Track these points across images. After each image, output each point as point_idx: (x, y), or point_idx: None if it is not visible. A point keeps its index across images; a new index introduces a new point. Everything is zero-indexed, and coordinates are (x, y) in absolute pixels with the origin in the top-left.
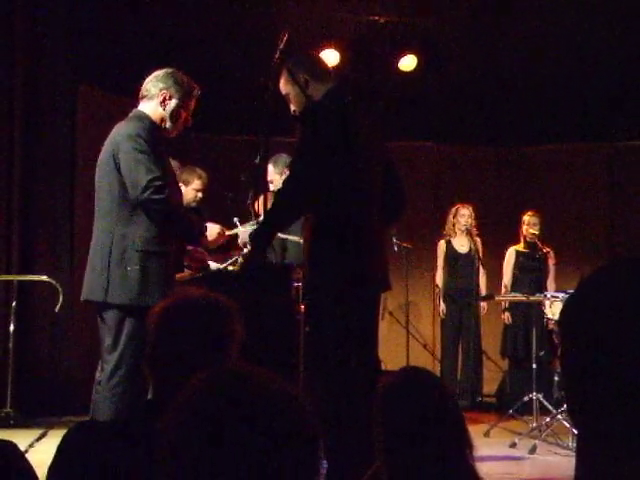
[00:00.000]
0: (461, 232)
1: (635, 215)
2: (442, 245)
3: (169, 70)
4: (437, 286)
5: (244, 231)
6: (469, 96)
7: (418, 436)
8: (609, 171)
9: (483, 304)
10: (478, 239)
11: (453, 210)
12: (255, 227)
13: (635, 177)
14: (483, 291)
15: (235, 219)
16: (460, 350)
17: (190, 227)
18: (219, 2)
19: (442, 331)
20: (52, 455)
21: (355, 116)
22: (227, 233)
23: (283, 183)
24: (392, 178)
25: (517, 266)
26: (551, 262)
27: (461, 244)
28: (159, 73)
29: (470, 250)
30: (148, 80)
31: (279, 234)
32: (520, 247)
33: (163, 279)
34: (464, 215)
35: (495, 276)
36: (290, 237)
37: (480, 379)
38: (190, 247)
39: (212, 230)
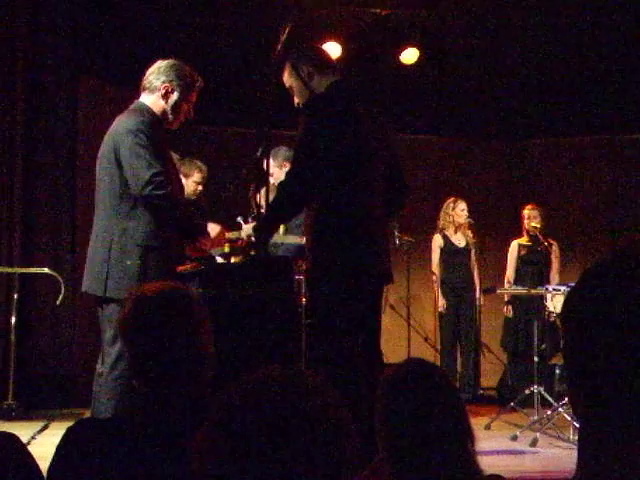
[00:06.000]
0: (460, 225)
1: (638, 208)
2: (438, 239)
3: (172, 62)
4: (434, 274)
5: (248, 227)
6: (471, 89)
7: (421, 428)
8: (612, 164)
9: (480, 297)
10: (470, 232)
11: (451, 204)
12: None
13: (638, 170)
14: (477, 284)
15: (239, 218)
16: (459, 343)
17: (191, 224)
18: None
19: (441, 324)
20: (54, 447)
21: (359, 109)
22: (227, 236)
23: (285, 175)
24: (395, 170)
25: (520, 259)
26: (554, 255)
27: (458, 238)
28: (162, 64)
29: (467, 244)
30: (150, 71)
31: (278, 238)
32: (523, 240)
33: (163, 274)
34: (463, 209)
35: (497, 269)
36: (288, 239)
37: (479, 372)
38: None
39: (213, 230)
